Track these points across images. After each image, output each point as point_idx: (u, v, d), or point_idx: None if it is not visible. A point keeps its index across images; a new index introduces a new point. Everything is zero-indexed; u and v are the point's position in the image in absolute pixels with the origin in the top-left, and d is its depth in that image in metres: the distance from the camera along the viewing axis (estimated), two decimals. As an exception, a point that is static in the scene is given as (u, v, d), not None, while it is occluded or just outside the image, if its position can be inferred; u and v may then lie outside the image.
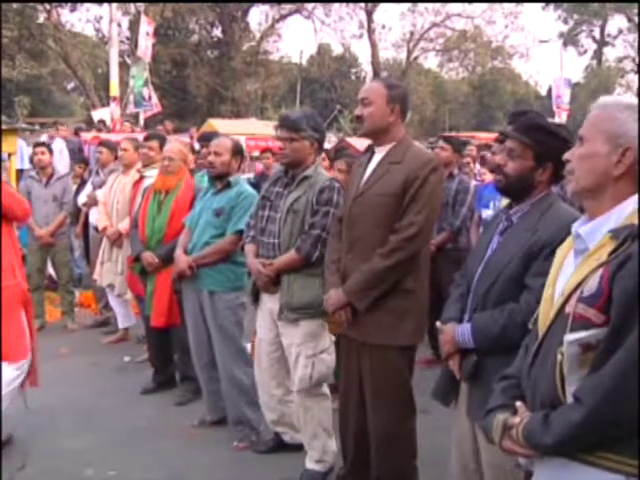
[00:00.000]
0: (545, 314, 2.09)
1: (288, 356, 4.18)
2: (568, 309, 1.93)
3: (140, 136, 8.70)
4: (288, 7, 36.65)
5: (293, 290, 4.04)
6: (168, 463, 4.50)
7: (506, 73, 44.22)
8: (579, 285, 1.92)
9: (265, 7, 36.63)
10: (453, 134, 15.00)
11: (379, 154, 3.70)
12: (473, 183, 6.83)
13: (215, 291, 4.74)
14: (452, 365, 2.91)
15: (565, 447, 1.89)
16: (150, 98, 20.04)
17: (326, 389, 4.22)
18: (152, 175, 5.89)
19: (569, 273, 2.03)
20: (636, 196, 1.97)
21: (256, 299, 4.36)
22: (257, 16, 66.19)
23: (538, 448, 1.94)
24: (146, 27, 20.86)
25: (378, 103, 3.60)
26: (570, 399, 1.89)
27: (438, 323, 3.01)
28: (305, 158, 4.14)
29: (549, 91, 32.85)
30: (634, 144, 1.97)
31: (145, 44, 20.71)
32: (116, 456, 4.56)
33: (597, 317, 1.86)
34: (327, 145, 9.33)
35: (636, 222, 1.91)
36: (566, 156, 2.12)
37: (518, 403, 2.07)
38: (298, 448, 4.42)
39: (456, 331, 2.86)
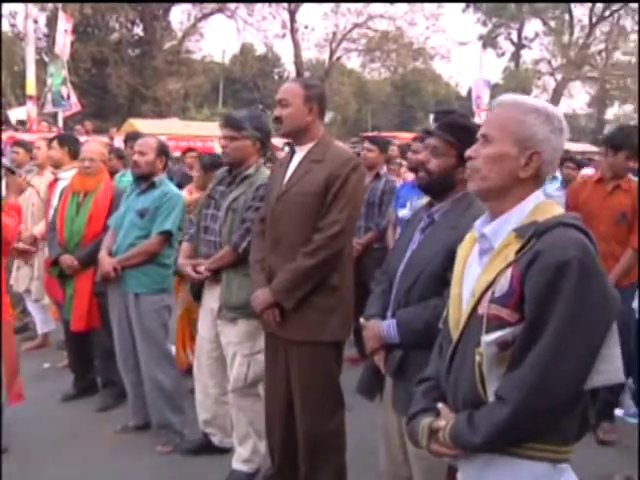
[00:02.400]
0: (455, 314, 2.14)
1: (226, 355, 4.18)
2: (481, 310, 1.97)
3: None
4: (210, 6, 36.41)
5: (232, 289, 4.05)
6: (91, 470, 4.40)
7: (427, 74, 44.91)
8: (489, 286, 1.97)
9: (187, 6, 36.37)
10: (375, 134, 15.09)
11: (300, 153, 3.72)
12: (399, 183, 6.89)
13: (140, 293, 4.68)
14: (377, 360, 2.93)
15: (493, 444, 1.92)
16: (69, 97, 19.57)
17: (261, 390, 4.20)
18: (67, 177, 5.76)
19: (476, 273, 2.07)
20: (536, 193, 2.06)
21: (198, 297, 4.35)
22: (179, 15, 65.68)
23: (467, 448, 1.97)
24: (64, 24, 20.35)
25: (296, 103, 3.62)
26: (492, 398, 1.93)
27: (362, 319, 3.03)
28: (247, 157, 4.17)
29: (469, 92, 33.48)
30: (541, 148, 2.03)
31: (63, 41, 20.21)
32: (38, 465, 4.45)
33: (511, 316, 1.91)
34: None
35: (538, 219, 1.97)
36: (469, 153, 2.13)
37: (440, 405, 2.10)
38: (225, 451, 4.39)
39: (381, 327, 2.89)
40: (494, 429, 1.88)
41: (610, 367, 1.91)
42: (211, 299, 4.27)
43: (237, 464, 4.21)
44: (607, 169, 4.76)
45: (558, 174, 9.12)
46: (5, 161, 5.39)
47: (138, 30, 36.71)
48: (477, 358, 1.95)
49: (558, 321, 1.84)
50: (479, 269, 2.07)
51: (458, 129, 2.84)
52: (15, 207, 4.83)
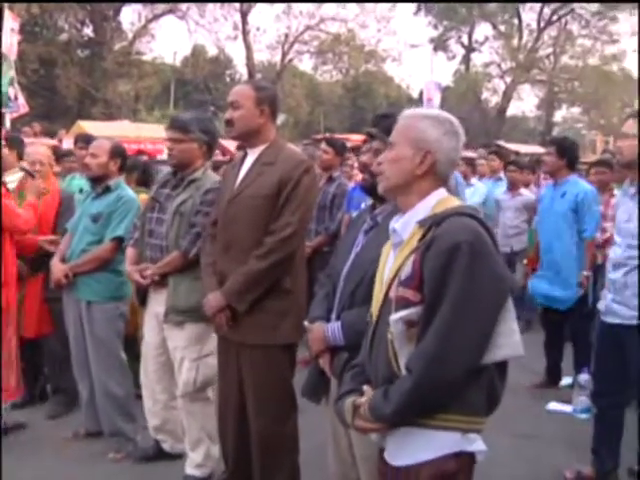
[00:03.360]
0: (375, 305, 2.37)
1: (173, 360, 4.14)
2: (391, 294, 2.22)
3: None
4: (161, 7, 36.00)
5: (179, 292, 4.02)
6: (42, 478, 4.34)
7: (379, 76, 45.08)
8: (397, 272, 2.21)
9: (138, 6, 35.89)
10: (327, 135, 15.12)
11: (252, 156, 3.72)
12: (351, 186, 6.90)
13: (93, 301, 4.61)
14: (323, 363, 2.96)
15: (403, 414, 2.13)
16: (16, 98, 19.13)
17: (210, 394, 4.19)
18: (13, 180, 5.64)
19: (391, 265, 2.31)
20: (438, 190, 2.31)
21: (143, 302, 4.29)
22: (129, 15, 64.89)
23: (381, 419, 2.18)
24: (11, 23, 19.88)
25: (247, 106, 3.62)
26: (404, 372, 2.14)
27: (306, 322, 3.05)
28: (193, 160, 4.13)
29: (420, 94, 33.64)
30: (433, 148, 2.30)
31: (10, 41, 19.76)
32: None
33: (414, 296, 2.15)
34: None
35: (438, 211, 2.22)
36: (379, 160, 2.45)
37: (365, 386, 2.29)
38: (178, 457, 4.36)
39: (325, 329, 2.92)
40: (401, 399, 2.10)
41: (509, 341, 2.14)
42: (156, 303, 4.20)
43: (190, 469, 4.18)
44: None
45: (503, 176, 9.29)
46: (26, 165, 5.30)
47: (88, 30, 36.16)
48: (389, 336, 2.17)
49: (452, 298, 2.07)
50: (393, 260, 2.31)
51: None
52: (33, 205, 4.93)
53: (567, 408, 5.69)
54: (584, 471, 4.41)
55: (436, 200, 2.29)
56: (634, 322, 3.97)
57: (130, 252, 4.32)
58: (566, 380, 6.29)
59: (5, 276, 4.66)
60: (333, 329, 2.89)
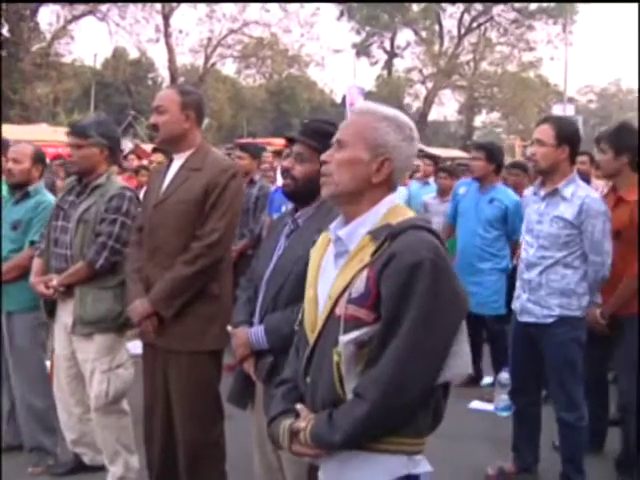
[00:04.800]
0: (310, 316, 2.18)
1: (84, 372, 4.03)
2: (338, 312, 2.02)
3: None
4: (81, 7, 35.35)
5: (86, 303, 3.92)
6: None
7: (302, 81, 45.33)
8: (346, 288, 2.02)
9: (56, 7, 35.13)
10: (250, 140, 15.12)
11: (178, 161, 3.67)
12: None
13: (13, 311, 4.44)
14: (247, 368, 2.94)
15: (353, 441, 1.97)
16: None
17: (125, 405, 4.10)
18: None
19: (331, 275, 2.12)
20: (389, 197, 2.12)
21: (51, 313, 4.16)
22: (47, 16, 63.25)
23: (328, 447, 2.01)
24: None
25: (172, 111, 3.58)
26: (350, 396, 1.98)
27: (229, 327, 3.03)
28: (95, 166, 4.04)
29: (343, 99, 33.93)
30: (392, 155, 2.09)
31: None
32: None
33: (367, 316, 1.97)
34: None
35: (392, 222, 2.04)
36: (323, 158, 2.18)
37: (299, 406, 2.13)
38: (99, 469, 4.25)
39: (249, 334, 2.90)
40: (353, 426, 1.94)
41: (460, 362, 2.03)
42: (65, 314, 4.07)
43: (111, 482, 4.09)
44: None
45: (431, 181, 9.42)
46: None
47: (3, 31, 35.18)
48: (335, 358, 1.99)
49: (412, 320, 1.92)
50: (335, 271, 2.11)
51: (322, 135, 2.80)
52: None
53: (489, 407, 5.81)
54: (506, 467, 4.51)
55: (387, 208, 2.09)
56: (548, 321, 4.09)
57: (36, 263, 4.18)
58: (487, 379, 6.43)
59: None
60: (256, 333, 2.88)
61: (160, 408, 3.68)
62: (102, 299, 3.88)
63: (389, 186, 2.13)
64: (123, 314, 3.92)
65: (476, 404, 5.94)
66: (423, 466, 2.07)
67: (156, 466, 3.79)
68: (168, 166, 3.73)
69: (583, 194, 4.02)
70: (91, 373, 3.97)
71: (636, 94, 66.74)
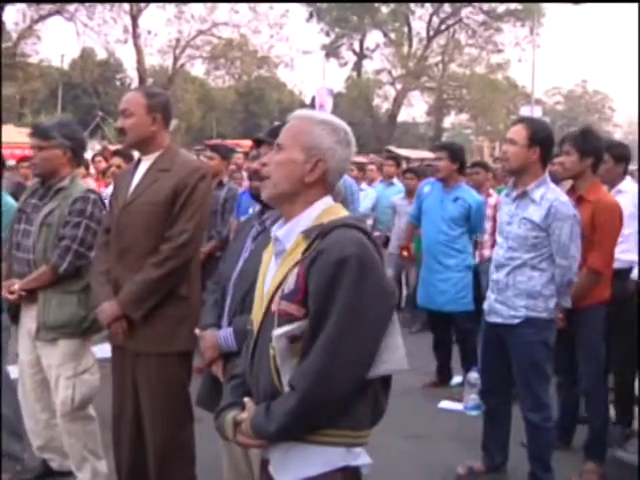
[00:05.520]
0: (257, 313, 2.27)
1: (49, 378, 3.98)
2: (273, 307, 2.13)
3: None
4: (47, 7, 34.95)
5: (50, 308, 3.87)
6: None
7: (272, 82, 45.26)
8: (280, 284, 2.13)
9: (22, 6, 34.69)
10: (219, 141, 15.09)
11: (146, 162, 3.65)
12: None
13: None
14: (216, 370, 2.95)
15: (288, 432, 2.07)
16: None
17: (91, 411, 4.06)
18: None
19: (272, 275, 2.23)
20: (325, 199, 2.23)
21: (15, 318, 4.11)
22: (13, 15, 62.50)
23: (265, 437, 2.10)
24: None
25: (139, 114, 3.56)
26: (287, 388, 2.07)
27: (197, 330, 3.02)
28: (58, 168, 3.98)
29: (313, 100, 33.97)
30: (325, 156, 2.20)
31: None
32: None
33: (298, 311, 2.07)
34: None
35: (324, 221, 2.14)
36: (263, 160, 2.33)
37: (246, 399, 2.20)
38: (67, 474, 4.20)
39: (217, 336, 2.91)
40: (285, 417, 2.02)
41: (393, 356, 2.11)
42: (28, 320, 4.01)
43: (80, 487, 4.04)
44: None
45: (396, 181, 9.49)
46: None
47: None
48: (271, 352, 2.08)
49: (338, 313, 2.01)
50: (275, 270, 2.22)
51: None
52: None
53: (458, 406, 5.84)
54: (475, 466, 4.55)
55: (321, 209, 2.20)
56: (514, 322, 4.14)
57: None
58: (457, 379, 6.46)
59: None
60: (225, 335, 2.89)
61: (129, 411, 3.66)
62: (66, 304, 3.84)
63: (324, 187, 2.23)
64: (88, 319, 3.89)
65: (445, 404, 5.97)
66: (362, 458, 2.14)
67: (125, 470, 3.76)
68: (136, 167, 3.70)
69: (552, 197, 4.07)
70: (56, 379, 3.91)
71: (601, 96, 67.78)
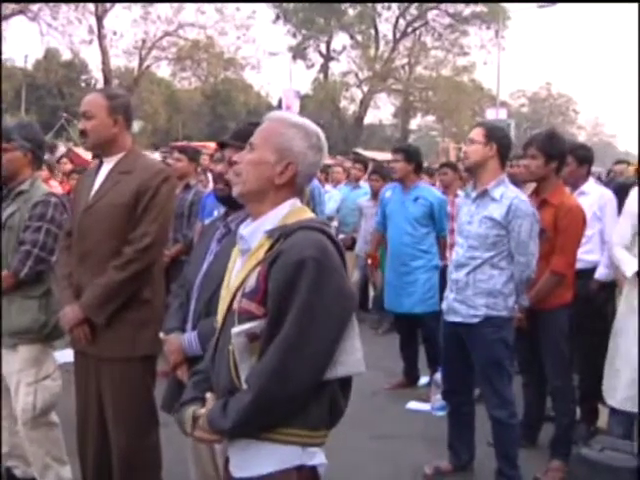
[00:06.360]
0: (221, 311, 2.29)
1: (9, 385, 3.92)
2: (235, 305, 2.16)
3: None
4: (11, 6, 34.49)
5: (10, 313, 3.80)
6: None
7: (238, 83, 45.12)
8: (242, 283, 2.16)
9: (-17, 6, 34.24)
10: (185, 143, 15.02)
11: (108, 165, 3.62)
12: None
13: None
14: (180, 374, 2.93)
15: (242, 429, 2.10)
16: None
17: (54, 417, 4.01)
18: None
19: (236, 272, 2.27)
20: (292, 200, 2.25)
21: None
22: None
23: (220, 433, 2.14)
24: None
25: (100, 116, 3.53)
26: (245, 386, 2.09)
27: (161, 334, 3.00)
28: (18, 170, 3.92)
29: (280, 102, 33.97)
30: (296, 159, 2.22)
31: None
32: None
33: (258, 310, 2.10)
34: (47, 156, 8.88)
35: (289, 222, 2.17)
36: (234, 158, 2.34)
37: (208, 395, 2.23)
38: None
39: (182, 340, 2.89)
40: (240, 415, 2.05)
41: (351, 358, 2.13)
42: None
43: (44, 495, 3.99)
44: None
45: (363, 184, 9.52)
46: None
47: None
48: (230, 348, 2.11)
49: (295, 313, 2.03)
50: (239, 268, 2.25)
51: None
52: None
53: (425, 407, 5.87)
54: (442, 466, 4.59)
55: (287, 210, 2.22)
56: (474, 320, 4.21)
57: None
58: (423, 380, 6.50)
59: None
60: (190, 339, 2.87)
61: (93, 416, 3.62)
62: (27, 309, 3.79)
63: (293, 189, 2.26)
64: (49, 324, 3.84)
65: (413, 404, 5.99)
66: (318, 458, 2.17)
67: (90, 475, 3.73)
68: (97, 169, 3.67)
69: (512, 195, 4.16)
70: (16, 386, 3.85)
71: (565, 98, 68.61)
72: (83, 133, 3.58)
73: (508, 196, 4.14)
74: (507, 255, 4.17)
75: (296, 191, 2.27)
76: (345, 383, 2.20)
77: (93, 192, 3.57)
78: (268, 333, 2.06)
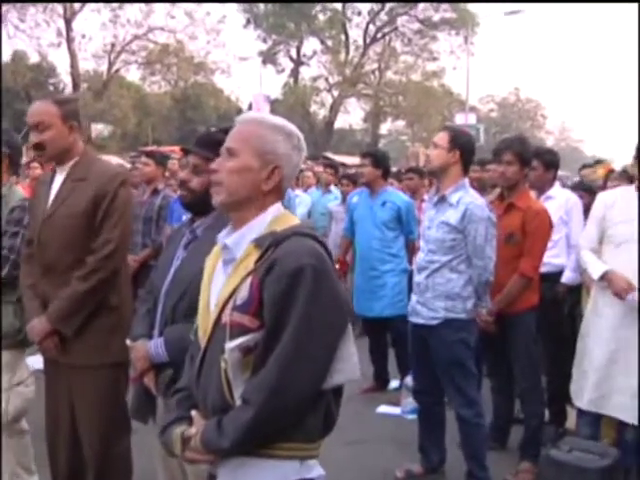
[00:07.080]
0: (203, 324, 2.19)
1: None
2: (224, 319, 2.04)
3: None
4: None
5: None
6: None
7: (208, 88, 44.95)
8: (232, 295, 2.04)
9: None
10: (155, 148, 14.93)
11: (61, 173, 3.54)
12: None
13: None
14: (147, 381, 2.90)
15: (242, 447, 1.99)
16: None
17: (25, 425, 3.97)
18: None
19: (220, 283, 2.14)
20: (276, 205, 2.15)
21: None
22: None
23: (217, 453, 2.03)
24: None
25: (56, 125, 3.43)
26: (239, 402, 1.99)
27: (128, 341, 2.97)
28: None
29: (250, 106, 33.94)
30: (281, 162, 2.12)
31: None
32: None
33: (252, 322, 2.00)
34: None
35: (277, 229, 2.07)
36: (213, 166, 2.19)
37: (193, 412, 2.13)
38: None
39: (148, 347, 2.86)
40: (240, 432, 1.95)
41: (348, 365, 2.05)
42: None
43: (11, 505, 3.94)
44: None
45: (333, 189, 9.55)
46: None
47: None
48: (222, 365, 2.00)
49: (294, 324, 1.95)
50: (224, 279, 2.14)
51: (217, 145, 2.65)
52: None
53: (396, 410, 5.90)
54: (414, 469, 4.62)
55: (272, 216, 2.12)
56: (434, 322, 4.27)
57: None
58: (394, 383, 6.52)
59: None
60: (156, 346, 2.84)
61: (65, 423, 3.59)
62: (5, 315, 3.75)
63: (278, 194, 2.17)
64: (23, 330, 3.78)
65: (383, 408, 6.02)
66: (316, 471, 2.09)
67: (61, 483, 3.70)
68: (52, 178, 3.59)
69: (468, 200, 4.21)
70: None
71: (533, 103, 69.25)
72: (38, 146, 3.45)
73: (464, 201, 4.19)
74: (465, 258, 4.23)
75: (281, 195, 2.18)
76: (337, 390, 2.11)
77: (50, 202, 3.50)
78: (265, 345, 1.98)
